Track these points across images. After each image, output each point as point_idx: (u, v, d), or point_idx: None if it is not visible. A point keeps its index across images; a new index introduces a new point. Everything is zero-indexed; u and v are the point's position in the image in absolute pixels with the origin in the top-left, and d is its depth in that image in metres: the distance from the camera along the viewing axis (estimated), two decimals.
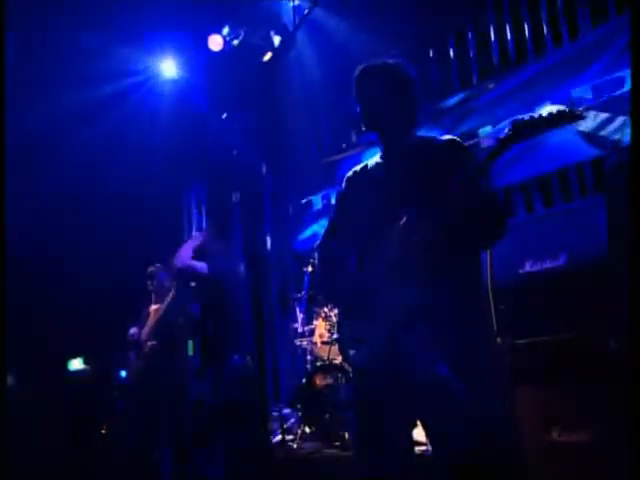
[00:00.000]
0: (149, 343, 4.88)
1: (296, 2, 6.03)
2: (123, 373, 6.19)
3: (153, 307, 5.01)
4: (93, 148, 6.49)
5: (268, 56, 5.48)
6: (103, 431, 5.74)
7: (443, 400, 2.11)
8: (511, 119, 2.18)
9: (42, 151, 6.30)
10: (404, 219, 2.23)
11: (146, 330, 4.93)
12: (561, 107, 2.06)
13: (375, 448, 2.21)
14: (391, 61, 2.43)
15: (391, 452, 2.20)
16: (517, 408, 2.74)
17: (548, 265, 3.28)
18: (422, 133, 2.50)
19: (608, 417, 2.59)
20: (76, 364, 6.76)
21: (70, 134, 6.32)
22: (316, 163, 7.12)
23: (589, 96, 4.85)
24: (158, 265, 5.18)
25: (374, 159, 2.53)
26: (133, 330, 5.13)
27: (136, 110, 6.88)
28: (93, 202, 6.66)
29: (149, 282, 5.14)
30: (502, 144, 2.11)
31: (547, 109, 2.08)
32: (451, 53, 5.99)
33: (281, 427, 4.39)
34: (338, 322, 2.66)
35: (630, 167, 2.06)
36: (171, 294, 4.79)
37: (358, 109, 2.43)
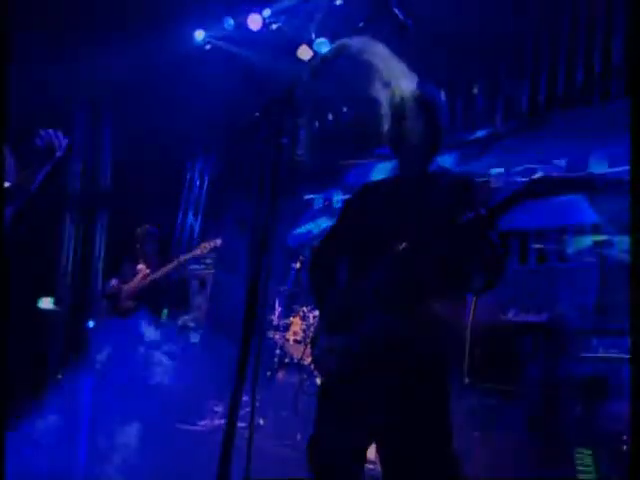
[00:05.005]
0: (128, 302, 4.86)
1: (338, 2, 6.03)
2: (91, 323, 6.16)
3: (141, 267, 4.95)
4: None
5: (305, 51, 5.49)
6: (59, 376, 5.70)
7: (403, 425, 2.15)
8: (526, 167, 2.19)
9: None
10: (404, 245, 2.26)
11: (129, 288, 4.88)
12: (588, 175, 2.05)
13: (325, 454, 2.25)
14: (421, 86, 2.44)
15: (340, 463, 2.24)
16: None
17: (530, 319, 3.32)
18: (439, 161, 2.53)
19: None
20: (46, 303, 6.67)
21: None
22: (325, 164, 7.11)
23: (604, 164, 4.86)
24: (146, 227, 5.14)
25: (389, 178, 2.55)
26: (113, 281, 5.05)
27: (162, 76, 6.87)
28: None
29: (137, 243, 5.09)
30: (516, 197, 2.12)
31: (571, 175, 2.08)
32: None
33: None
34: (316, 326, 2.68)
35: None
36: (172, 265, 4.82)
37: (383, 126, 2.45)
